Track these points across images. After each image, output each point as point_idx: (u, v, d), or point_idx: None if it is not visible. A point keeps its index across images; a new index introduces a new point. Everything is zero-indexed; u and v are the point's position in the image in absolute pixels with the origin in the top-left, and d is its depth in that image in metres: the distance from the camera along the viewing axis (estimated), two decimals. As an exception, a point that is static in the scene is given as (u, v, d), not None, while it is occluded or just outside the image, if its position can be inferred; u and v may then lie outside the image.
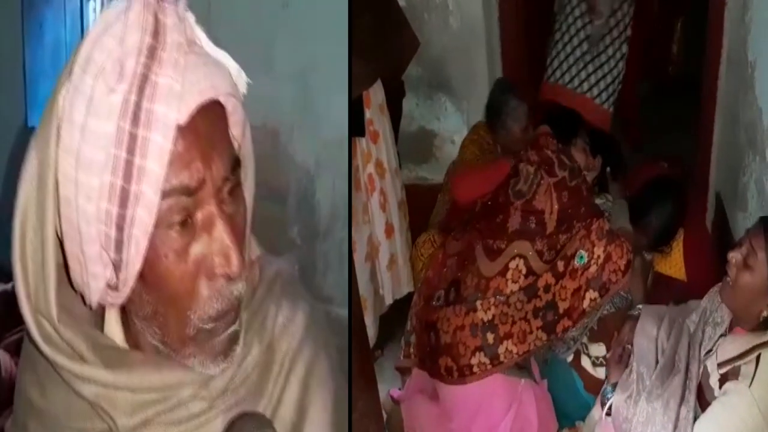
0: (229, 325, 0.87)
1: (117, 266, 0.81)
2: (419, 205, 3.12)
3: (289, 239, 2.89)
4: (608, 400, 1.96)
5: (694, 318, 2.00)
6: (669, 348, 1.95)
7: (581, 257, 2.28)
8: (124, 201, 0.77)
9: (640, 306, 2.19)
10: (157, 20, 0.78)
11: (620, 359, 2.08)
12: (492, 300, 2.29)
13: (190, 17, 0.83)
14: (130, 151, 0.76)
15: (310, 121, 2.78)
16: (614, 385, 1.99)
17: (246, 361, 0.93)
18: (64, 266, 0.86)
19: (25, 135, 3.06)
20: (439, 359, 2.35)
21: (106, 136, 0.76)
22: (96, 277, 0.82)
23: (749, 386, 1.69)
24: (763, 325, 1.79)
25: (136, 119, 0.76)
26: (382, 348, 3.12)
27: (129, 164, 0.76)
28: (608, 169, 2.68)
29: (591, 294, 2.25)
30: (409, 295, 2.85)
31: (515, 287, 2.30)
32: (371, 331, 2.91)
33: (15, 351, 1.95)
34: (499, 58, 3.52)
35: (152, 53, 0.77)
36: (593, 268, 2.26)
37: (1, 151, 3.10)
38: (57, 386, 0.90)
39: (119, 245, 0.79)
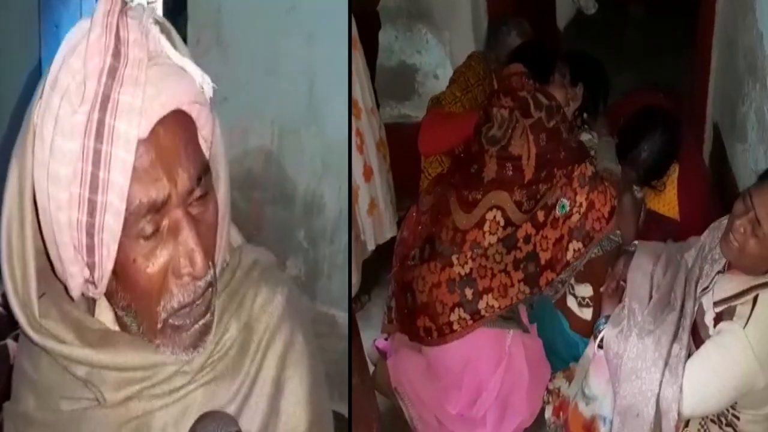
0: (199, 318, 0.93)
1: (91, 267, 0.89)
2: (403, 145, 2.98)
3: (296, 242, 2.87)
4: (600, 332, 1.93)
5: (692, 253, 1.96)
6: (665, 284, 1.91)
7: (563, 206, 2.17)
8: (92, 210, 0.84)
9: (635, 242, 2.11)
10: (118, 38, 0.84)
11: (614, 293, 2.04)
12: (469, 253, 2.18)
13: (155, 29, 0.88)
14: (96, 165, 0.82)
15: (316, 123, 2.74)
16: (608, 318, 1.96)
17: (224, 338, 1.00)
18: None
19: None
20: (416, 320, 2.25)
21: (71, 152, 0.82)
22: (73, 277, 0.90)
23: (744, 327, 1.68)
24: None
25: (99, 135, 0.82)
26: (369, 293, 3.04)
27: (95, 177, 0.83)
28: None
29: (574, 245, 2.16)
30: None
31: (493, 239, 2.19)
32: (355, 276, 2.83)
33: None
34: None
35: (113, 73, 0.83)
36: (575, 217, 2.15)
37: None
38: (50, 364, 0.98)
39: (91, 249, 0.86)
